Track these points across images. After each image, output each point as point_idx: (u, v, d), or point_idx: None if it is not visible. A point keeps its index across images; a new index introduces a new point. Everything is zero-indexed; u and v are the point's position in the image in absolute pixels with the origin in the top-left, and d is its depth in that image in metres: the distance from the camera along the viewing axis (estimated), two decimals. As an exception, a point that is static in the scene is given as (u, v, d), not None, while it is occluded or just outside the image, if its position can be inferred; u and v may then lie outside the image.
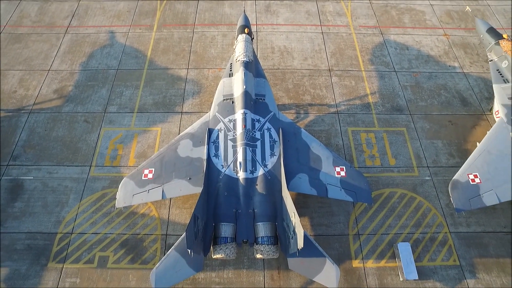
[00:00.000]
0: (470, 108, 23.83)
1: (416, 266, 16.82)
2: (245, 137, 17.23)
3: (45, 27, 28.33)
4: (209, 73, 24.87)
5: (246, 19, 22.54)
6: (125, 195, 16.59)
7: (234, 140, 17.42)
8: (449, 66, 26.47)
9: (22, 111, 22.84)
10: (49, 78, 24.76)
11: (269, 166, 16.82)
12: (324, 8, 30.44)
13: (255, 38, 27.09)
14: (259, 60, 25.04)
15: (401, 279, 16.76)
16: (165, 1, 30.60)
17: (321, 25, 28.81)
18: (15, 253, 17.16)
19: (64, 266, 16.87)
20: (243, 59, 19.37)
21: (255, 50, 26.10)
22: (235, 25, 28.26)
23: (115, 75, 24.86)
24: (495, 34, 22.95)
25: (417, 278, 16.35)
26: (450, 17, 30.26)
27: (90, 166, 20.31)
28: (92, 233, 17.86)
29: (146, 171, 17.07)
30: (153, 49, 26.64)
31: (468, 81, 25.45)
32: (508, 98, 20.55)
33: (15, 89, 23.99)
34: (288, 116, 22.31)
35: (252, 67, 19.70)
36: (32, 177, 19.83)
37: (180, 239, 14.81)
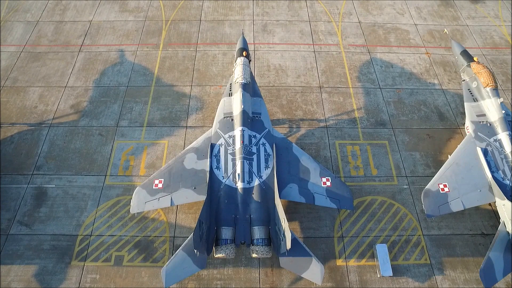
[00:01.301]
0: (447, 122, 26.39)
1: (391, 265, 19.37)
2: (243, 151, 19.78)
3: (60, 46, 30.88)
4: (211, 90, 27.43)
5: (244, 41, 25.08)
6: (138, 203, 19.10)
7: (233, 154, 19.96)
8: (429, 83, 29.04)
9: (43, 125, 25.37)
10: (65, 94, 27.29)
11: (264, 177, 19.35)
12: (317, 28, 33.04)
13: (253, 56, 29.67)
14: (256, 78, 27.79)
15: (378, 275, 19.28)
16: (170, 21, 33.20)
17: (313, 44, 31.40)
18: (42, 253, 19.67)
19: (85, 264, 19.38)
20: (241, 81, 21.90)
21: (253, 68, 28.61)
22: (234, 44, 30.85)
23: (125, 92, 27.40)
24: (468, 56, 25.43)
25: (391, 274, 18.86)
26: (432, 36, 32.86)
27: (105, 175, 22.84)
28: (109, 235, 20.38)
29: (156, 181, 19.59)
30: (160, 67, 29.19)
31: (446, 97, 28.02)
32: (477, 116, 23.11)
33: (36, 105, 26.52)
34: (282, 130, 24.98)
35: (249, 87, 22.23)
36: (54, 185, 22.36)
37: (186, 240, 17.32)
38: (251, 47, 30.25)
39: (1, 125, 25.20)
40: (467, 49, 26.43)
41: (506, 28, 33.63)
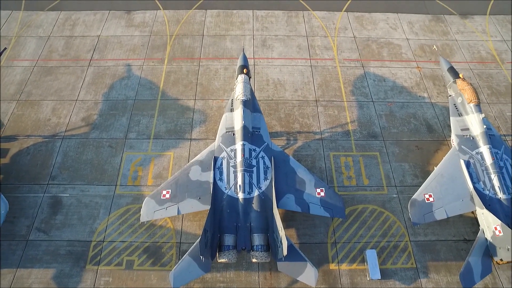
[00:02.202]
0: (435, 135, 28.14)
1: (380, 268, 21.07)
2: (244, 164, 21.52)
3: (71, 60, 32.66)
4: (213, 104, 29.19)
5: (245, 58, 26.84)
6: (147, 212, 20.82)
7: (235, 166, 21.69)
8: (419, 96, 30.82)
9: (56, 137, 27.10)
10: (77, 107, 29.04)
11: (263, 188, 21.08)
12: (314, 42, 34.84)
13: (252, 70, 31.40)
14: (256, 92, 29.56)
15: (367, 279, 20.99)
16: (174, 36, 34.99)
17: (310, 59, 33.19)
18: (59, 257, 21.38)
19: (99, 268, 21.09)
20: (242, 98, 23.64)
21: (253, 82, 30.28)
22: (235, 58, 32.61)
23: (133, 105, 29.15)
24: (454, 73, 27.11)
25: (380, 278, 20.57)
26: (423, 50, 34.67)
27: (116, 185, 24.57)
28: (120, 241, 22.09)
29: (164, 192, 21.31)
30: (165, 81, 30.96)
31: (434, 110, 29.79)
32: (461, 130, 24.86)
33: (49, 118, 28.27)
34: (280, 142, 26.74)
35: (249, 104, 23.97)
36: (68, 194, 24.08)
37: (192, 246, 19.05)
38: (251, 62, 32.02)
39: (18, 137, 26.93)
40: (453, 66, 28.11)
41: (492, 43, 35.43)
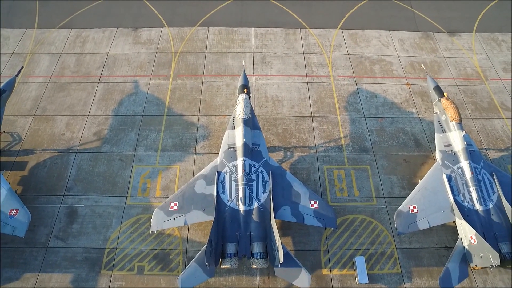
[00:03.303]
0: (421, 149, 30.31)
1: (368, 274, 23.23)
2: (244, 178, 23.67)
3: (82, 77, 34.83)
4: (216, 119, 31.36)
5: (245, 78, 28.99)
6: (157, 222, 22.96)
7: (236, 180, 23.85)
8: (408, 112, 33.01)
9: (70, 151, 29.24)
10: (88, 122, 31.20)
11: (262, 201, 23.22)
12: (310, 60, 37.07)
13: (252, 87, 33.55)
14: (256, 108, 31.76)
15: (356, 283, 23.11)
16: (178, 53, 37.22)
17: (306, 76, 35.40)
18: (76, 263, 23.50)
19: (113, 273, 23.20)
20: (243, 117, 25.78)
21: (253, 98, 32.40)
22: (236, 75, 34.81)
23: (141, 120, 31.31)
24: (439, 92, 29.26)
25: (367, 282, 22.72)
26: (412, 67, 36.89)
27: (126, 196, 26.71)
28: (132, 248, 24.22)
29: (172, 204, 23.45)
30: (170, 97, 33.15)
31: (422, 125, 31.96)
32: (444, 145, 27.02)
33: (63, 132, 30.41)
34: (278, 156, 28.91)
35: (250, 122, 26.11)
36: (83, 205, 26.21)
37: (198, 254, 21.20)
38: (251, 79, 34.21)
39: (35, 151, 29.07)
40: (439, 85, 30.32)
41: (477, 60, 37.67)
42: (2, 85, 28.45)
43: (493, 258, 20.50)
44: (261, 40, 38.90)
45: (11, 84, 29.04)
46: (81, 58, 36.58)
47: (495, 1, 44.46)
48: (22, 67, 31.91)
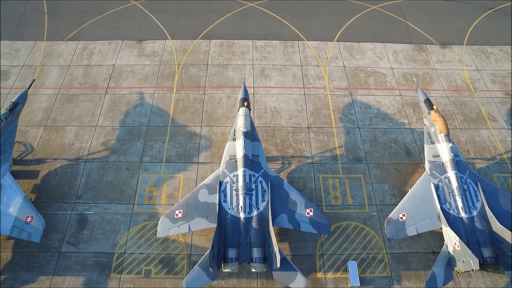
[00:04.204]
0: (412, 158, 32.00)
1: (360, 277, 24.86)
2: (245, 188, 25.35)
3: (89, 88, 36.54)
4: (217, 130, 33.06)
5: (245, 91, 30.66)
6: (163, 229, 24.62)
7: (237, 190, 25.53)
8: (400, 122, 34.71)
9: (80, 160, 30.92)
10: (96, 133, 32.88)
11: (261, 209, 24.89)
12: (307, 72, 38.80)
13: (252, 98, 35.22)
14: (255, 119, 33.47)
15: (349, 286, 24.77)
16: (181, 65, 38.95)
17: (303, 88, 37.13)
18: (87, 267, 25.15)
19: (121, 276, 24.85)
20: (243, 130, 27.44)
21: (253, 110, 34.03)
22: (237, 87, 36.48)
23: (146, 131, 33.00)
24: (429, 104, 30.92)
25: (359, 285, 24.38)
26: (405, 79, 38.62)
27: (133, 204, 28.38)
28: (139, 253, 25.87)
29: (177, 212, 25.11)
30: (174, 108, 34.85)
31: (413, 135, 33.65)
32: (433, 156, 28.70)
33: (73, 142, 32.10)
34: (276, 166, 30.61)
35: (249, 134, 27.77)
36: (92, 212, 27.88)
37: (201, 258, 22.85)
38: (251, 91, 35.90)
39: (46, 160, 30.75)
40: (429, 98, 31.96)
41: (467, 72, 39.42)
42: (15, 98, 30.07)
43: (474, 263, 22.14)
44: (260, 53, 40.63)
45: (23, 96, 30.68)
46: (88, 70, 38.29)
47: (485, 14, 46.26)
48: (34, 80, 33.65)
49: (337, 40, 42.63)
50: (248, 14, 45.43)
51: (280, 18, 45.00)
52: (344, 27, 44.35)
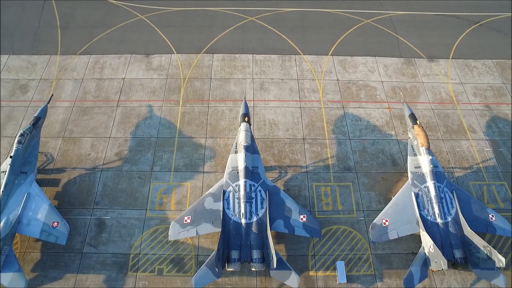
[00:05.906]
0: (397, 167, 35.26)
1: (347, 275, 28.25)
2: (245, 196, 28.62)
3: (102, 101, 39.68)
4: (221, 142, 36.29)
5: (246, 107, 33.81)
6: (174, 233, 27.93)
7: (238, 198, 28.80)
8: (388, 134, 37.92)
9: (96, 169, 34.16)
10: (110, 144, 36.09)
11: (260, 215, 28.18)
12: (303, 86, 41.93)
13: (252, 111, 38.37)
14: (255, 131, 36.65)
15: (337, 282, 28.15)
16: (186, 79, 42.08)
17: (299, 101, 40.29)
18: (107, 266, 28.50)
19: (137, 274, 28.20)
20: (244, 144, 30.62)
21: (253, 122, 37.22)
22: (238, 100, 39.48)
23: (155, 142, 36.21)
24: (413, 119, 34.04)
25: (346, 282, 27.77)
26: (394, 92, 41.76)
27: (146, 209, 31.66)
28: (152, 254, 29.20)
29: (185, 217, 28.39)
30: (181, 121, 38.03)
31: (399, 146, 36.88)
32: (415, 167, 31.92)
33: (89, 153, 35.33)
34: (273, 175, 33.88)
35: (250, 148, 30.99)
36: (109, 217, 31.18)
37: (208, 259, 26.07)
38: (251, 104, 39.07)
39: (66, 169, 34.00)
40: (414, 113, 35.05)
41: (451, 85, 42.58)
42: (37, 112, 33.16)
43: (443, 263, 25.47)
44: (260, 67, 43.72)
45: (44, 110, 33.82)
46: (100, 84, 41.39)
47: (471, 28, 49.32)
48: (52, 95, 36.86)
49: (332, 54, 45.68)
50: (249, 28, 48.45)
51: (278, 32, 48.04)
52: (339, 41, 47.40)
